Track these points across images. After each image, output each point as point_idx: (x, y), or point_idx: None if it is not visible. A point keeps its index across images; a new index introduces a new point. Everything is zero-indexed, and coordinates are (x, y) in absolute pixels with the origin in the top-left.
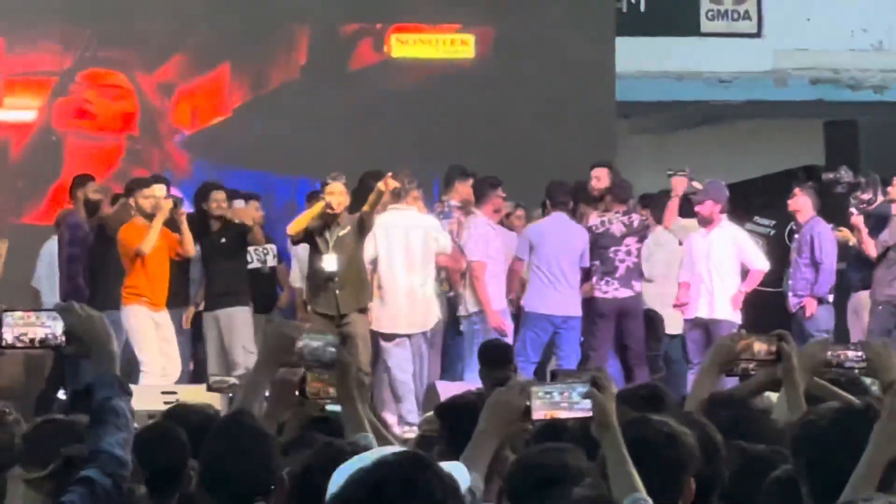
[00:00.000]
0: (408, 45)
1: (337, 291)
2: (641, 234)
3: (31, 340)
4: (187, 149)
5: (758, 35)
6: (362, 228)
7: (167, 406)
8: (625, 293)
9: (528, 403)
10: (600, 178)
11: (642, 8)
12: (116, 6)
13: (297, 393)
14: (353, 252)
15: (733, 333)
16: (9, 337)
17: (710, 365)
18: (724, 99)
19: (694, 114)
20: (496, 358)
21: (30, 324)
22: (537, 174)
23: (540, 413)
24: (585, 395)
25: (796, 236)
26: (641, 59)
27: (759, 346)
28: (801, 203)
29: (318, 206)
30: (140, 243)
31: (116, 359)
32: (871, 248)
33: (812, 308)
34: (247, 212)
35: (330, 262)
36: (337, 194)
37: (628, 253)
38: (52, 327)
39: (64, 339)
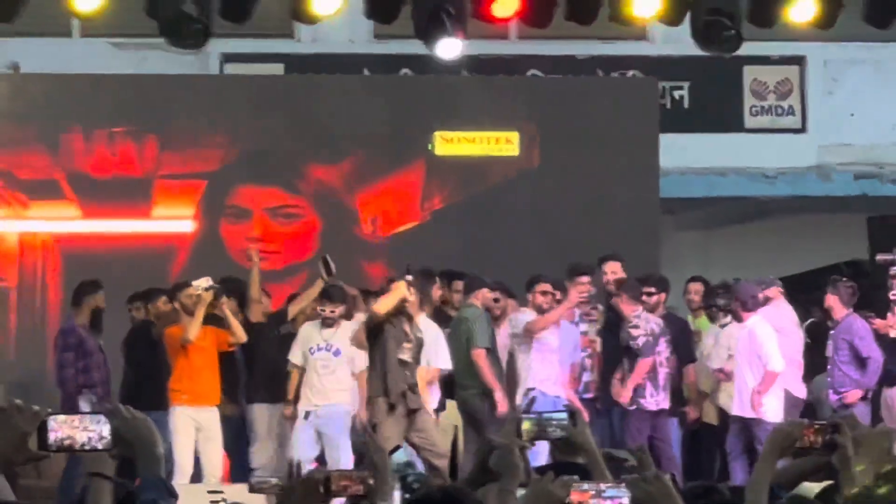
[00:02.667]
0: (452, 144)
1: (405, 386)
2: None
3: (77, 443)
4: None
5: (802, 130)
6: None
7: None
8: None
9: (568, 499)
10: (616, 272)
11: (686, 104)
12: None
13: (321, 490)
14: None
15: (791, 420)
16: (56, 440)
17: (770, 452)
18: (769, 194)
19: (738, 209)
20: None
21: (74, 427)
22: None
23: None
24: (627, 488)
25: (832, 333)
26: (685, 155)
27: (813, 437)
28: (832, 301)
29: (398, 293)
30: (184, 333)
31: (162, 461)
32: None
33: (854, 398)
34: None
35: (407, 356)
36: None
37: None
38: (97, 430)
39: (110, 441)
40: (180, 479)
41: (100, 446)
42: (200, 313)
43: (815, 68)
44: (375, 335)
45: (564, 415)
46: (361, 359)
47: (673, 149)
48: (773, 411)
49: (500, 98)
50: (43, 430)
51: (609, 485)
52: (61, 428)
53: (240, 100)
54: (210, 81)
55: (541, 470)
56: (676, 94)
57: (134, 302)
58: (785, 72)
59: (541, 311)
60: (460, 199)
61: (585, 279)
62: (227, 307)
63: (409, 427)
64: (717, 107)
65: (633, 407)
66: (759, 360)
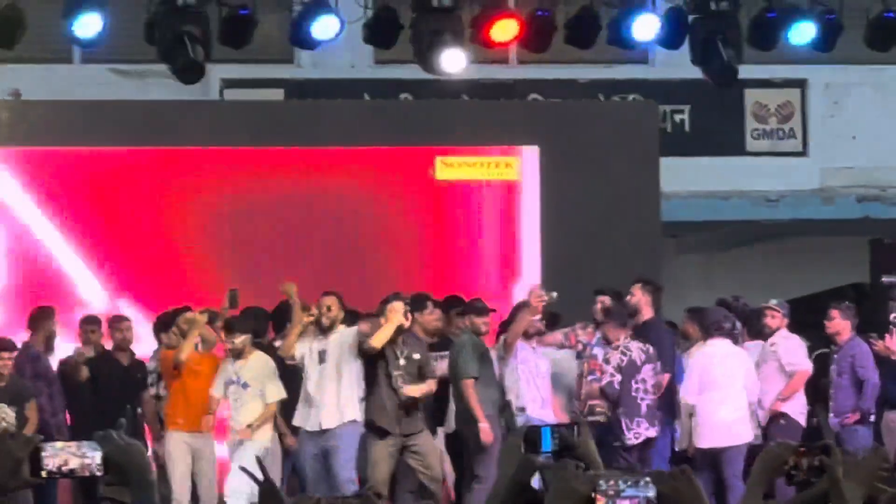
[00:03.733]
0: (453, 168)
1: (403, 413)
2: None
3: (71, 470)
4: None
5: (803, 153)
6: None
7: None
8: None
9: (593, 494)
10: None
11: (687, 128)
12: None
13: None
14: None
15: (780, 442)
16: (50, 466)
17: (760, 474)
18: (771, 218)
19: (740, 233)
20: None
21: (70, 453)
22: (583, 294)
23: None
24: (652, 482)
25: (835, 357)
26: (687, 178)
27: (803, 459)
28: (842, 326)
29: (394, 323)
30: (176, 354)
31: (155, 487)
32: None
33: (851, 422)
34: None
35: (403, 382)
36: (402, 313)
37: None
38: (89, 456)
39: (102, 467)
40: None
41: (92, 472)
42: (193, 336)
43: (816, 91)
44: (370, 362)
45: (568, 429)
46: (272, 391)
47: (674, 172)
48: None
49: (501, 122)
50: (36, 456)
51: (634, 479)
52: (55, 454)
53: (239, 125)
54: (210, 107)
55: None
56: (677, 117)
57: (91, 325)
58: (786, 95)
59: (478, 332)
60: (457, 221)
61: (604, 298)
62: (213, 333)
63: (405, 450)
64: (718, 130)
65: (617, 443)
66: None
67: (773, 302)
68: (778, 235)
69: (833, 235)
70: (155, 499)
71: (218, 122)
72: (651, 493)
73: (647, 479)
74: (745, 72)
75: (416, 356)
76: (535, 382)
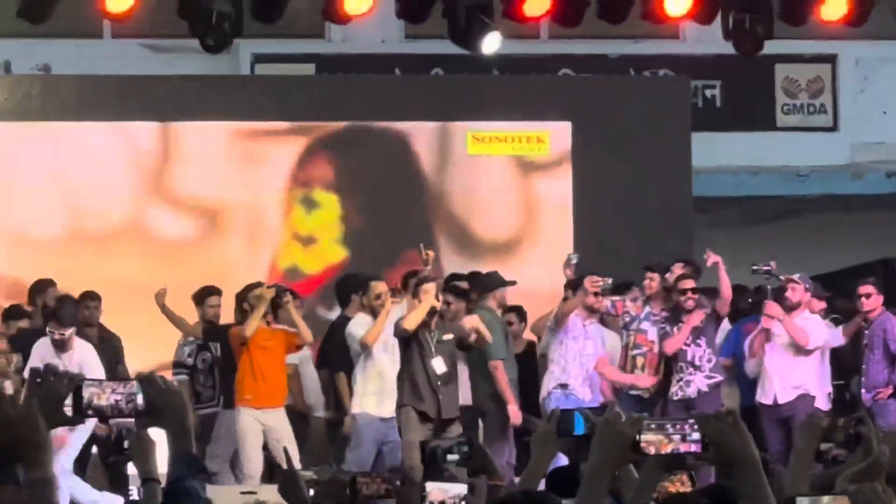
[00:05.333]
0: (484, 143)
1: (440, 396)
2: None
3: (113, 410)
4: None
5: (834, 129)
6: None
7: None
8: None
9: (638, 437)
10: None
11: (718, 103)
12: None
13: (348, 492)
14: (454, 358)
15: (814, 415)
16: (92, 405)
17: (805, 441)
18: (801, 193)
19: (770, 208)
20: None
21: (112, 393)
22: (614, 270)
23: (650, 445)
24: (697, 425)
25: (866, 332)
26: (718, 154)
27: (838, 429)
28: (876, 301)
29: (427, 304)
30: (242, 331)
31: (192, 434)
32: None
33: (884, 396)
34: None
35: (439, 365)
36: (434, 294)
37: None
38: (130, 397)
39: (143, 408)
40: (250, 481)
41: (133, 413)
42: (259, 312)
43: (846, 66)
44: (405, 345)
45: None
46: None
47: (705, 147)
48: None
49: (532, 98)
50: (78, 394)
51: (680, 423)
52: (97, 393)
53: (270, 100)
54: (241, 82)
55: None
56: (708, 92)
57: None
58: (817, 70)
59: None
60: (490, 198)
61: (653, 275)
62: (294, 308)
63: (441, 434)
64: (748, 105)
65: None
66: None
67: (795, 276)
68: (807, 211)
69: (862, 211)
70: (191, 444)
71: (249, 98)
72: (696, 436)
73: (692, 422)
74: (776, 47)
75: (449, 336)
76: (580, 360)
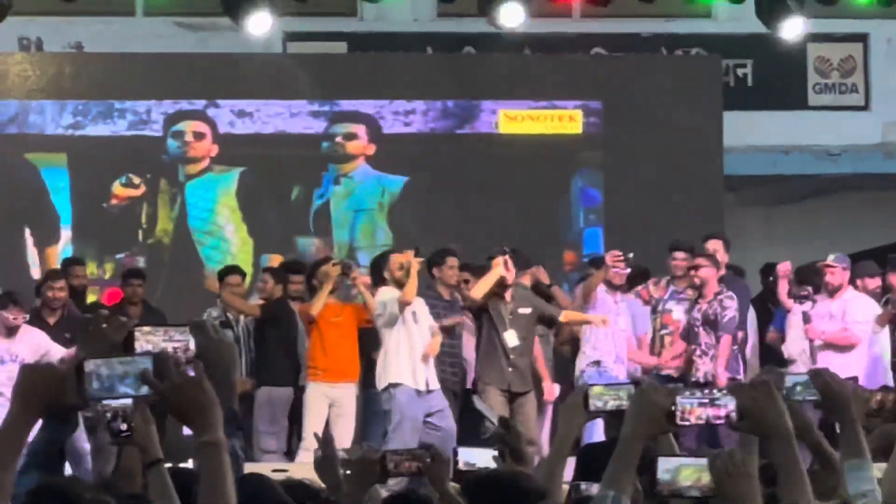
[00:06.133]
0: (516, 122)
1: (510, 369)
2: None
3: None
4: None
5: (865, 108)
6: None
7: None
8: None
9: (672, 407)
10: (717, 251)
11: (749, 82)
12: None
13: (378, 469)
14: (529, 333)
15: (858, 389)
16: (140, 350)
17: (856, 413)
18: (832, 172)
19: (801, 187)
20: None
21: (164, 339)
22: (645, 248)
23: (685, 416)
24: (731, 395)
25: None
26: (749, 132)
27: (878, 401)
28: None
29: (496, 273)
30: (309, 309)
31: (236, 389)
32: None
33: None
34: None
35: (511, 338)
36: (503, 265)
37: None
38: (182, 343)
39: (194, 354)
40: (305, 455)
41: (184, 359)
42: (326, 289)
43: (878, 46)
44: (477, 317)
45: (630, 386)
46: None
47: (736, 126)
48: None
49: (564, 76)
50: (130, 340)
51: (715, 392)
52: (148, 340)
53: (302, 78)
54: (273, 60)
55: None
56: (740, 71)
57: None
58: (848, 49)
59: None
60: (523, 176)
61: (680, 255)
62: (362, 283)
63: (514, 411)
64: (780, 84)
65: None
66: None
67: (830, 258)
68: (839, 190)
69: (894, 190)
70: (234, 400)
71: (281, 76)
72: (731, 406)
73: (726, 391)
74: (808, 26)
75: (526, 310)
76: (612, 337)
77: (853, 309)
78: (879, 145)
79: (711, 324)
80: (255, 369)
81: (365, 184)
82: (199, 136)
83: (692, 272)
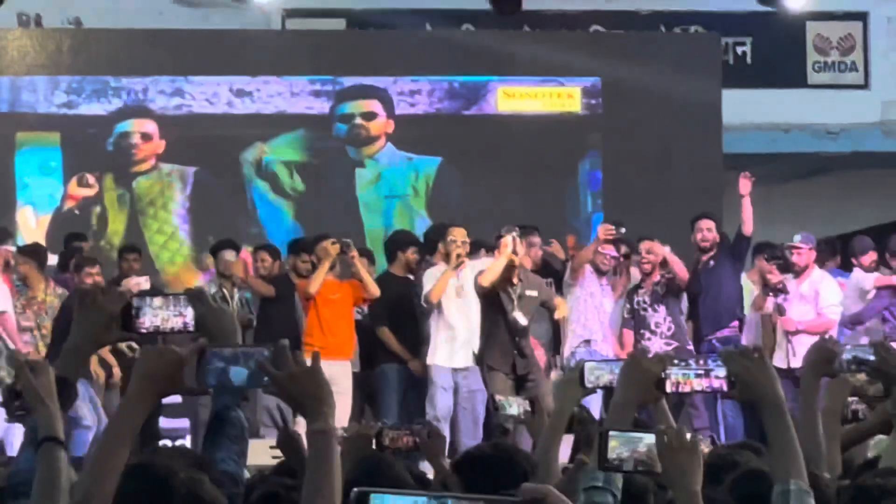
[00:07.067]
0: (514, 99)
1: (517, 351)
2: None
3: (164, 327)
4: None
5: (865, 87)
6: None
7: (275, 461)
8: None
9: (663, 374)
10: (712, 230)
11: (749, 60)
12: None
13: (374, 445)
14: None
15: (828, 338)
16: (143, 322)
17: (811, 369)
18: (832, 150)
19: (801, 165)
20: None
21: (163, 310)
22: (644, 226)
23: (676, 383)
24: (724, 363)
25: None
26: (748, 111)
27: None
28: None
29: (503, 259)
30: (307, 286)
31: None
32: None
33: None
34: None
35: (521, 318)
36: (512, 247)
37: None
38: (181, 314)
39: (193, 325)
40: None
41: (184, 329)
42: (324, 267)
43: (877, 24)
44: (486, 300)
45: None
46: None
47: (735, 105)
48: None
49: (562, 53)
50: (128, 310)
51: (706, 360)
52: (148, 310)
53: (301, 55)
54: (272, 36)
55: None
56: (739, 49)
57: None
58: (848, 27)
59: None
60: (521, 153)
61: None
62: (360, 261)
63: (529, 391)
64: (779, 63)
65: None
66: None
67: (796, 238)
68: (838, 168)
69: (893, 168)
70: None
71: (279, 52)
72: (722, 374)
73: (718, 360)
74: (807, 4)
75: (533, 293)
76: (598, 316)
77: (825, 292)
78: (878, 123)
79: (661, 300)
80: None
81: (394, 167)
82: (146, 137)
83: (644, 258)
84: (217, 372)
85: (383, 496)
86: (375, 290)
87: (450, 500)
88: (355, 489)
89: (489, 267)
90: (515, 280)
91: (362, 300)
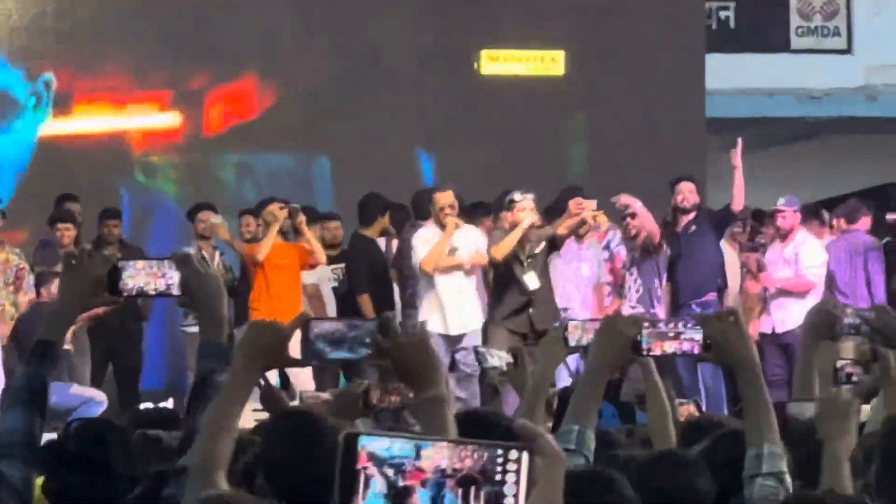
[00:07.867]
0: (498, 62)
1: (531, 310)
2: None
3: (149, 290)
4: None
5: (848, 51)
6: (554, 248)
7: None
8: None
9: (638, 337)
10: (693, 191)
11: (732, 25)
12: None
13: (361, 404)
14: (545, 269)
15: (829, 300)
16: (128, 285)
17: (810, 332)
18: (815, 115)
19: (784, 130)
20: None
21: (149, 273)
22: (627, 190)
23: (651, 346)
24: (699, 325)
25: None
26: (731, 75)
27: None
28: None
29: (519, 231)
30: (255, 252)
31: (225, 323)
32: None
33: None
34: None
35: (532, 281)
36: (531, 210)
37: None
38: (167, 277)
39: (178, 288)
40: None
41: (169, 293)
42: (272, 233)
43: None
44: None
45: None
46: None
47: (719, 69)
48: None
49: (546, 17)
50: (114, 274)
51: (682, 323)
52: (134, 274)
53: (286, 18)
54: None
55: None
56: (722, 14)
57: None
58: None
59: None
60: (505, 117)
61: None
62: (307, 227)
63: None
64: (763, 27)
65: None
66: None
67: (780, 201)
68: (822, 133)
69: (876, 133)
70: (223, 334)
71: (261, 15)
72: (697, 336)
73: (694, 322)
74: None
75: (539, 247)
76: (575, 282)
77: (805, 253)
78: (862, 88)
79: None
80: (238, 310)
81: None
82: None
83: (629, 223)
84: (325, 344)
85: (371, 437)
86: (322, 258)
87: (440, 442)
88: (345, 431)
89: (505, 240)
90: (525, 242)
91: (309, 265)
